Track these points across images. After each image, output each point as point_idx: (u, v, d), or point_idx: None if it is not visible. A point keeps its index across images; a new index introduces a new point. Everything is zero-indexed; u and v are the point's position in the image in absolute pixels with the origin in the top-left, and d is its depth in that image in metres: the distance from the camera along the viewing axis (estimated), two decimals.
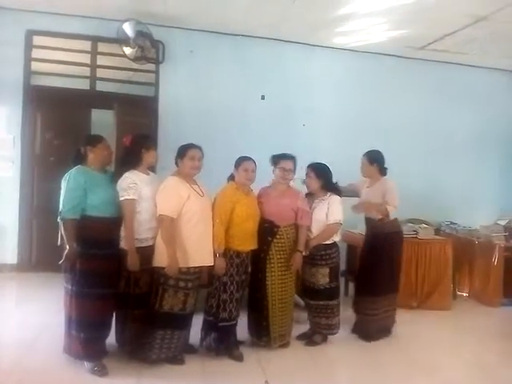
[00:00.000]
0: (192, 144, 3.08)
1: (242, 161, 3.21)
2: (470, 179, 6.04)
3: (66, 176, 2.85)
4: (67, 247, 2.76)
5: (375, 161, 3.78)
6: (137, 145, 3.03)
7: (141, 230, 2.93)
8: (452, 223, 5.54)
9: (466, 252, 5.04)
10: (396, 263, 3.83)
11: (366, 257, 3.84)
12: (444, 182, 5.82)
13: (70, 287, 2.83)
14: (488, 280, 4.83)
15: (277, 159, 3.35)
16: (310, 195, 3.52)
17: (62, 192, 2.83)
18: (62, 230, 2.81)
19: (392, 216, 3.68)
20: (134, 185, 2.90)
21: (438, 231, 5.34)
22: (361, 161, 3.83)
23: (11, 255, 5.00)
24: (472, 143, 6.09)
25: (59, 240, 2.84)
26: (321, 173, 3.46)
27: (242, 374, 3.02)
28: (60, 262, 2.79)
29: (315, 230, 3.42)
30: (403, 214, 4.17)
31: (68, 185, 2.81)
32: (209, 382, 2.90)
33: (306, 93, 5.56)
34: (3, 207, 4.99)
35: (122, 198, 2.88)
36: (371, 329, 3.71)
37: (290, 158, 3.35)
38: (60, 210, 2.80)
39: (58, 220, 2.82)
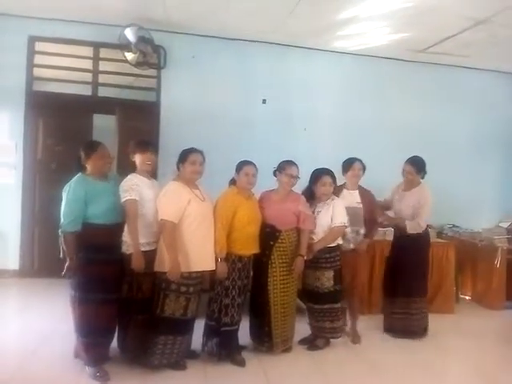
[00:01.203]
0: (193, 148, 3.08)
1: (243, 165, 3.21)
2: (472, 182, 6.01)
3: (66, 187, 2.84)
4: (68, 259, 2.75)
5: (422, 170, 3.83)
6: (131, 150, 3.07)
7: (142, 233, 2.93)
8: (454, 226, 5.54)
9: (468, 255, 5.03)
10: (421, 266, 3.89)
11: (393, 258, 3.96)
12: (446, 184, 5.77)
13: (74, 293, 2.85)
14: (491, 283, 4.83)
15: (283, 165, 3.35)
16: (312, 199, 3.51)
17: (63, 204, 2.81)
18: (62, 243, 2.80)
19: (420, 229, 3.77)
20: (136, 186, 2.92)
21: (440, 234, 5.35)
22: (404, 168, 3.86)
23: (13, 261, 5.01)
24: (474, 146, 6.07)
25: (61, 253, 2.83)
26: (335, 178, 3.50)
27: (245, 380, 3.01)
28: (62, 274, 2.79)
29: (321, 233, 3.42)
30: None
31: (68, 197, 2.79)
32: None
33: (308, 97, 5.56)
34: (5, 213, 5.00)
35: (124, 199, 2.88)
36: (397, 326, 3.86)
37: (295, 164, 3.36)
38: (61, 222, 2.79)
39: (59, 233, 2.81)
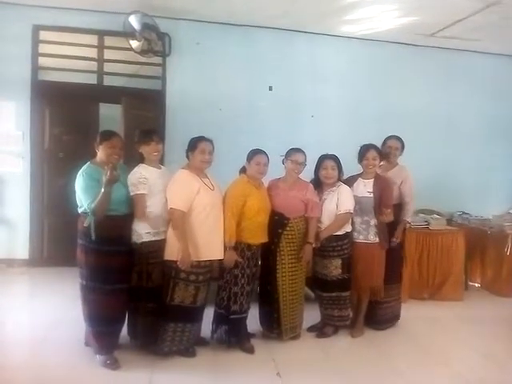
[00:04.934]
0: (203, 137, 3.05)
1: (254, 154, 3.18)
2: (482, 168, 5.95)
3: (79, 177, 2.81)
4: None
5: (404, 147, 3.76)
6: (136, 142, 3.04)
7: (152, 223, 2.92)
8: (464, 213, 5.48)
9: (478, 242, 4.98)
10: (400, 252, 3.77)
11: None
12: (456, 171, 5.75)
13: (84, 282, 2.86)
14: (500, 270, 4.79)
15: (290, 152, 3.33)
16: (319, 187, 3.48)
17: (79, 191, 2.79)
18: (83, 224, 2.77)
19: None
20: (143, 179, 2.90)
21: (450, 221, 5.28)
22: (390, 144, 3.73)
23: (22, 250, 5.04)
24: (483, 131, 5.98)
25: (92, 235, 2.77)
26: (340, 164, 3.44)
27: (254, 366, 3.03)
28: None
29: (327, 221, 3.39)
30: (415, 205, 4.12)
31: (84, 183, 2.77)
32: (220, 375, 2.90)
33: (315, 83, 5.49)
34: (14, 202, 5.03)
35: (132, 194, 2.88)
36: (381, 317, 3.70)
37: (302, 151, 3.33)
38: (85, 208, 2.75)
39: (88, 220, 2.75)
